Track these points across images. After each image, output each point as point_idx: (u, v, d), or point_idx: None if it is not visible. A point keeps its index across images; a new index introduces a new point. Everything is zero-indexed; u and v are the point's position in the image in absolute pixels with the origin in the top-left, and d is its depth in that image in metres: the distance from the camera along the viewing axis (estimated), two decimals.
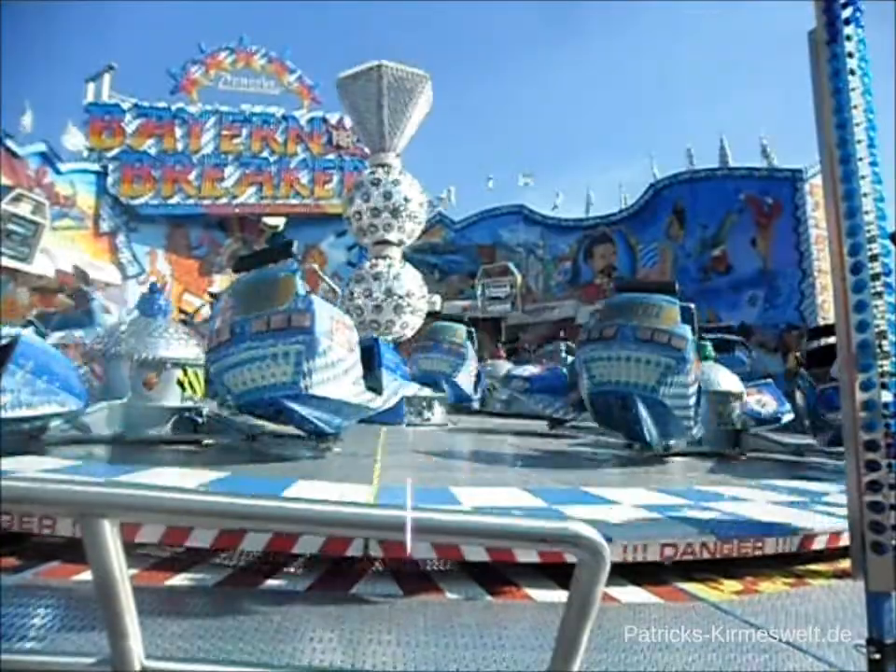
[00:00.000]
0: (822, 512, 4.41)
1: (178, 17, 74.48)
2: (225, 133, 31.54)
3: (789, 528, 3.85)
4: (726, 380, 9.08)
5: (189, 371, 7.46)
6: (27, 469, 4.72)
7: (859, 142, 2.39)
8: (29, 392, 5.85)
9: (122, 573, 1.11)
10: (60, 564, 3.18)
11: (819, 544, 3.78)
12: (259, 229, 31.44)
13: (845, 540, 3.18)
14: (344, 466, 6.30)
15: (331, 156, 32.55)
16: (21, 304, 21.62)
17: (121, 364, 7.41)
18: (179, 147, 30.91)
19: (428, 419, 12.35)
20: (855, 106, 2.41)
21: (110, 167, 29.44)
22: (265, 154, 31.86)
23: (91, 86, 30.29)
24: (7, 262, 20.87)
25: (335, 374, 6.09)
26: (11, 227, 20.95)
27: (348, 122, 27.12)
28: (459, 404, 14.49)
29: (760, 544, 3.62)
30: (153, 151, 30.50)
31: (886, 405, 2.24)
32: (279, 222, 31.62)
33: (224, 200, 31.13)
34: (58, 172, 26.63)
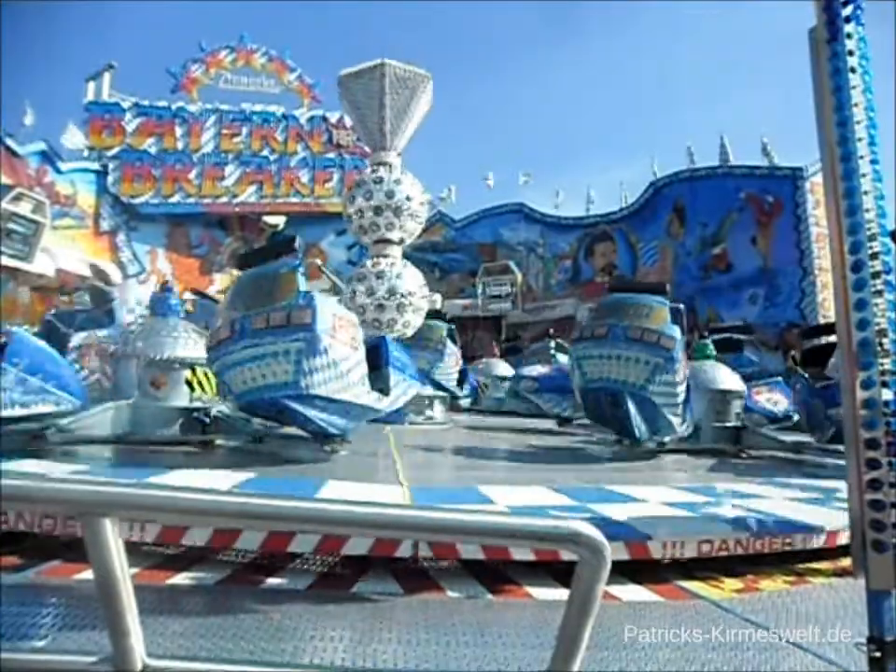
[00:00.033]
0: (840, 508, 4.45)
1: (178, 16, 74.57)
2: (225, 131, 31.57)
3: (813, 525, 3.89)
4: (727, 378, 9.15)
5: (199, 370, 7.33)
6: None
7: (859, 140, 2.39)
8: (22, 391, 5.79)
9: (123, 572, 1.12)
10: (61, 563, 3.18)
11: (843, 539, 3.80)
12: (260, 227, 31.47)
13: None
14: (366, 466, 6.30)
15: (331, 155, 32.58)
16: (21, 303, 21.65)
17: (130, 364, 7.33)
18: (179, 145, 30.94)
19: (431, 418, 12.38)
20: (856, 104, 2.41)
21: (110, 166, 29.47)
22: (265, 153, 31.89)
23: (92, 85, 30.32)
24: (7, 261, 20.87)
25: (337, 373, 5.86)
26: (12, 226, 20.95)
27: (348, 121, 27.08)
28: None
29: (789, 540, 3.69)
30: (153, 150, 30.53)
31: (886, 403, 2.23)
32: (279, 221, 31.65)
33: (224, 199, 31.17)
34: (58, 171, 26.66)
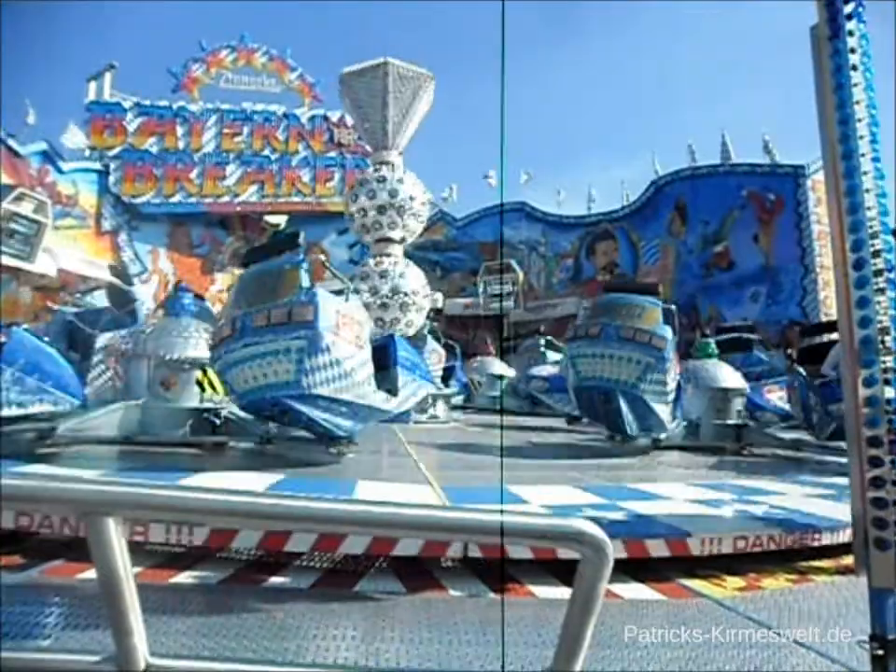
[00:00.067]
0: None
1: (179, 16, 74.50)
2: (226, 131, 31.56)
3: (837, 521, 3.91)
4: (728, 376, 9.27)
5: (210, 370, 7.11)
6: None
7: (861, 138, 2.38)
8: (19, 391, 5.74)
9: (126, 571, 1.12)
10: (64, 562, 3.19)
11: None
12: (261, 227, 31.44)
13: None
14: (389, 466, 6.32)
15: (333, 154, 32.58)
16: (22, 303, 21.66)
17: (142, 364, 7.26)
18: (181, 145, 30.94)
19: (435, 417, 12.39)
20: (857, 102, 2.40)
21: (112, 166, 29.48)
22: (266, 152, 31.88)
23: (93, 85, 30.32)
24: (9, 261, 20.89)
25: (341, 372, 5.63)
26: (14, 226, 20.97)
27: (349, 120, 27.06)
28: None
29: (817, 535, 3.76)
30: (155, 150, 30.53)
31: (888, 401, 2.23)
32: (281, 220, 31.61)
33: (226, 198, 31.18)
34: (60, 171, 26.67)
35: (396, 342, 7.19)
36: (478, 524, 1.21)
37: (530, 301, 31.06)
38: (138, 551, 3.33)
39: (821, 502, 4.66)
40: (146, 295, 22.48)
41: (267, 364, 5.49)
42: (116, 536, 1.11)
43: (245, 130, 31.85)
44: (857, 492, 2.24)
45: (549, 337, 18.69)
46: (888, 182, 2.40)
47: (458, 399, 16.32)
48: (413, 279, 16.25)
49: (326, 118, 32.60)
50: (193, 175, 30.87)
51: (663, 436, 8.25)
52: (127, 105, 30.55)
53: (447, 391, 13.40)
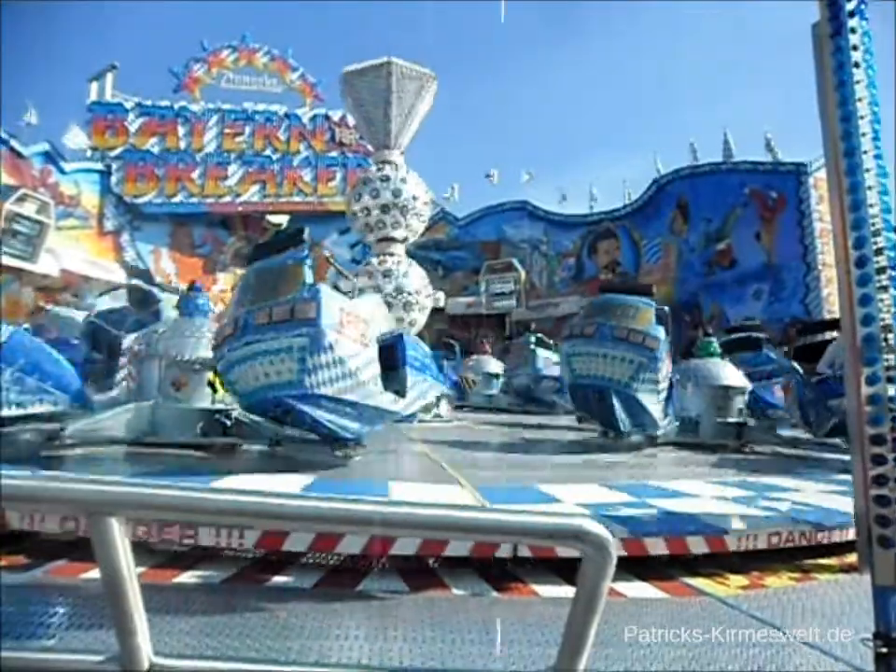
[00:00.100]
0: None
1: (180, 16, 74.63)
2: (228, 131, 31.62)
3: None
4: (730, 375, 9.34)
5: None
6: None
7: (863, 135, 2.38)
8: (18, 391, 5.70)
9: (130, 571, 1.12)
10: (68, 562, 3.19)
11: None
12: (263, 227, 31.47)
13: None
14: (413, 466, 6.29)
15: (334, 153, 32.62)
16: (24, 303, 21.70)
17: (154, 365, 7.15)
18: (182, 145, 31.00)
19: (439, 416, 12.40)
20: (859, 99, 2.39)
21: (114, 166, 29.56)
22: (268, 152, 31.93)
23: (95, 85, 30.40)
24: (12, 262, 20.95)
25: (345, 371, 5.43)
26: (16, 226, 21.03)
27: (351, 120, 27.05)
28: None
29: (845, 532, 3.76)
30: (156, 150, 30.60)
31: (891, 399, 2.23)
32: (282, 220, 31.64)
33: (227, 198, 31.23)
34: (62, 171, 26.75)
35: (404, 341, 6.89)
36: (481, 523, 1.21)
37: (532, 299, 31.05)
38: (189, 555, 3.38)
39: (839, 498, 4.68)
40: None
41: (269, 363, 5.32)
42: (119, 536, 1.11)
43: (247, 130, 31.91)
44: (860, 490, 2.24)
45: (539, 334, 18.85)
46: (890, 179, 2.39)
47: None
48: (416, 278, 16.24)
49: (327, 117, 32.64)
50: (195, 175, 30.93)
51: (659, 433, 8.45)
52: (129, 105, 30.62)
53: (449, 390, 13.45)
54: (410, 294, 15.73)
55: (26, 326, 10.21)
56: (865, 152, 2.36)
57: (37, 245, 21.80)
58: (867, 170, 2.35)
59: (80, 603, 2.64)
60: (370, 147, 20.14)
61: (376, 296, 9.12)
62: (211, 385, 7.03)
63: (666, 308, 8.41)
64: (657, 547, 3.39)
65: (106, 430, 6.41)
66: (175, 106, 31.38)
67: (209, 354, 6.84)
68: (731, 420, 8.99)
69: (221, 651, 2.23)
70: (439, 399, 12.40)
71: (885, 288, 2.27)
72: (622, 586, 3.12)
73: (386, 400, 6.05)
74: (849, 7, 2.42)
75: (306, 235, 6.00)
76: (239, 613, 2.63)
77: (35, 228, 21.64)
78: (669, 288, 25.89)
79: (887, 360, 2.25)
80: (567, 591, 2.91)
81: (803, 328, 13.54)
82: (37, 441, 5.89)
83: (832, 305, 19.56)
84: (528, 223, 32.64)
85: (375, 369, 5.84)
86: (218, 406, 7.00)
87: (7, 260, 20.65)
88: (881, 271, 2.29)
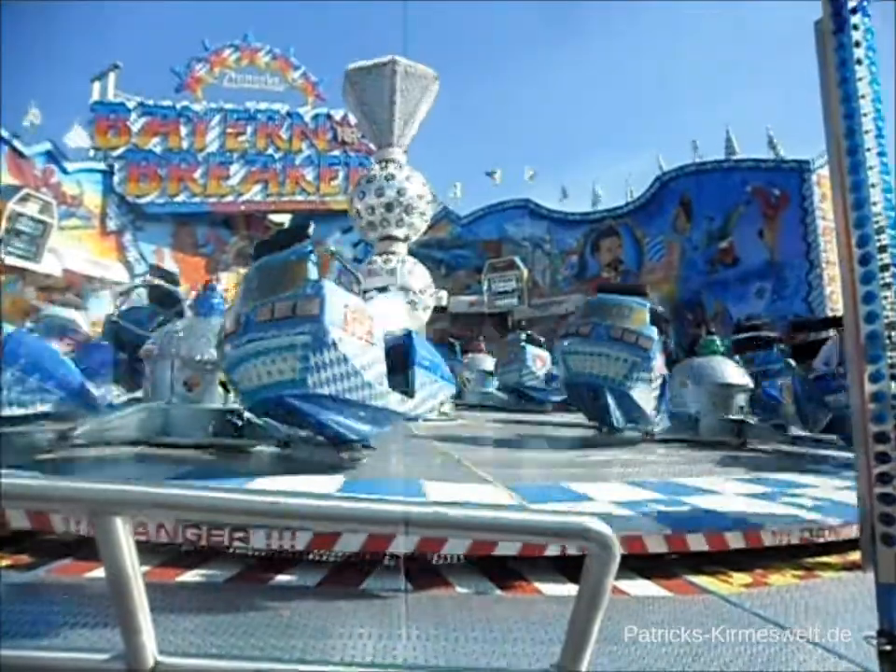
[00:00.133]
0: None
1: (182, 15, 74.62)
2: (230, 130, 31.59)
3: None
4: (731, 373, 9.47)
5: None
6: None
7: (866, 132, 2.37)
8: (20, 391, 5.68)
9: (135, 570, 1.12)
10: (72, 561, 3.20)
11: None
12: (265, 226, 31.45)
13: None
14: (437, 465, 6.28)
15: (336, 152, 32.57)
16: (26, 303, 21.75)
17: (166, 365, 7.08)
18: (184, 145, 30.98)
19: (445, 414, 12.39)
20: (863, 96, 2.39)
21: (116, 166, 29.53)
22: (270, 151, 31.90)
23: (97, 85, 30.36)
24: (15, 261, 20.99)
25: (349, 370, 5.23)
26: (19, 226, 21.07)
27: (353, 119, 27.04)
28: None
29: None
30: (158, 150, 30.57)
31: (895, 396, 2.23)
32: (285, 219, 31.62)
33: (230, 197, 31.21)
34: (64, 171, 26.75)
35: (414, 340, 6.60)
36: (486, 521, 1.21)
37: (535, 298, 31.00)
38: (242, 558, 3.38)
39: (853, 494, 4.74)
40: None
41: (271, 361, 5.15)
42: (124, 535, 1.11)
43: (249, 129, 31.87)
44: (864, 488, 2.24)
45: (529, 332, 19.04)
46: (893, 176, 2.39)
47: None
48: (419, 277, 16.24)
49: (329, 116, 32.60)
50: (197, 174, 30.91)
51: (657, 430, 8.69)
52: (131, 104, 30.59)
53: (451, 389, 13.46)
54: (414, 293, 15.74)
55: (30, 325, 10.24)
56: (868, 149, 2.36)
57: (41, 245, 21.84)
58: (870, 167, 2.35)
59: (85, 602, 2.64)
60: (372, 146, 20.15)
61: (400, 294, 9.19)
62: (223, 384, 6.92)
63: (661, 308, 8.68)
64: (698, 543, 3.49)
65: (118, 430, 6.32)
66: (178, 106, 31.36)
67: None
68: (732, 417, 9.09)
69: (225, 650, 2.24)
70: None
71: (888, 286, 2.27)
72: (624, 584, 3.12)
73: (393, 401, 5.82)
74: (852, 3, 2.42)
75: (311, 231, 5.81)
76: (243, 612, 2.64)
77: (39, 228, 21.68)
78: (672, 286, 25.84)
79: (890, 357, 2.25)
80: (570, 589, 2.91)
81: (798, 326, 13.70)
82: (48, 442, 5.87)
83: (835, 303, 19.51)
84: (531, 221, 32.58)
85: (381, 368, 5.64)
86: (230, 406, 6.92)
87: (10, 260, 20.70)
88: (884, 268, 2.29)
